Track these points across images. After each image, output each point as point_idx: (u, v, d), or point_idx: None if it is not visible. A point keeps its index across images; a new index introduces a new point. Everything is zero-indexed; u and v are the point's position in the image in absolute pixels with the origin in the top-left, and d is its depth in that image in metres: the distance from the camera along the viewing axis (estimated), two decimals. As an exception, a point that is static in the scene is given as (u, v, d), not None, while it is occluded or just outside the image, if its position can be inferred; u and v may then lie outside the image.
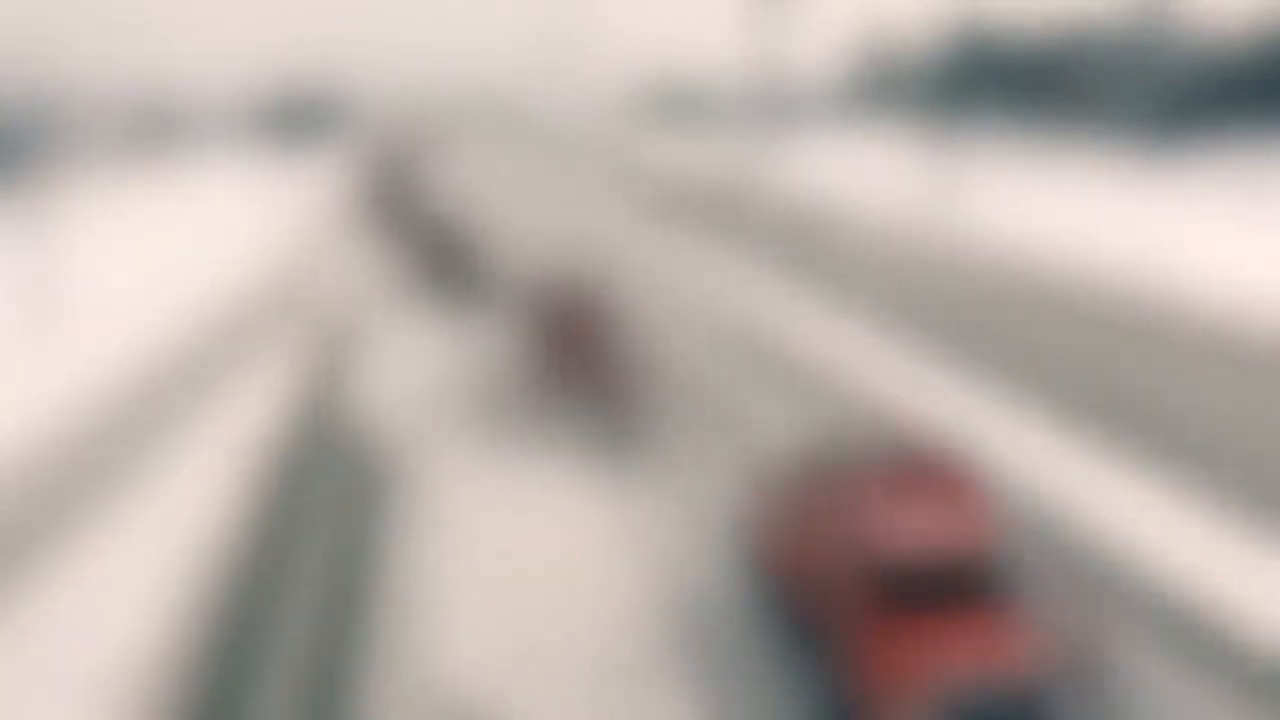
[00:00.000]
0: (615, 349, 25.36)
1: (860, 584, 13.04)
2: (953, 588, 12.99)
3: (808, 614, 14.22)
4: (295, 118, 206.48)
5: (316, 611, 16.17)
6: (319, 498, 20.96)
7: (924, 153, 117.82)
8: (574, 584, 17.40)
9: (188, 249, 58.04)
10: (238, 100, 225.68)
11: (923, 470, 14.15)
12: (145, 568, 18.15)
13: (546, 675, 14.45)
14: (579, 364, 25.31)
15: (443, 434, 25.22)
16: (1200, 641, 14.85)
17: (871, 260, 48.38)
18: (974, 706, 11.95)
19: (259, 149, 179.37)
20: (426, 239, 44.61)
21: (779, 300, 39.69)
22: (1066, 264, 45.78)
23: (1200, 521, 18.76)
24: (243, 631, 15.35)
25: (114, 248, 60.05)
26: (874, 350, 31.57)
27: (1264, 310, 35.03)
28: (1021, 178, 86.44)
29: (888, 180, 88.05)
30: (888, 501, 13.55)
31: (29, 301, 43.60)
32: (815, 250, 51.88)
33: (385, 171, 76.16)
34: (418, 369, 31.35)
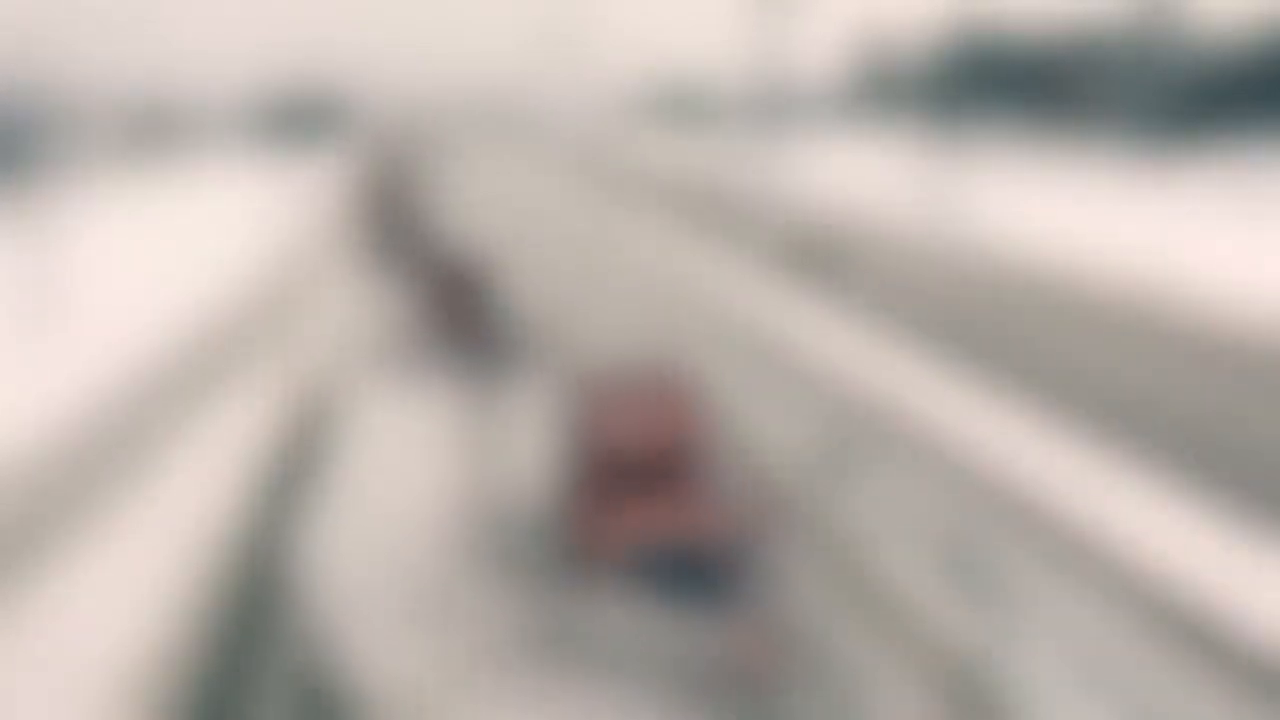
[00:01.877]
0: (728, 499, 16.76)
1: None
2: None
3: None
4: (297, 117, 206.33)
5: None
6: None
7: (925, 154, 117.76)
8: None
9: (174, 266, 57.96)
10: (239, 100, 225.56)
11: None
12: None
13: None
14: (670, 517, 15.85)
15: (443, 626, 14.94)
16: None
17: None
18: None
19: (260, 149, 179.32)
20: (431, 267, 34.01)
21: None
22: (1063, 263, 45.75)
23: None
24: None
25: (103, 254, 60.05)
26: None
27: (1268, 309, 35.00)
28: (1023, 178, 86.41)
29: (889, 181, 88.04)
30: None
31: (26, 302, 43.58)
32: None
33: (383, 181, 68.03)
34: (417, 475, 21.30)
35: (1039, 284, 41.81)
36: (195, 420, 26.50)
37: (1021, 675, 14.00)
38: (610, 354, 32.03)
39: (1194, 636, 15.06)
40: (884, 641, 14.65)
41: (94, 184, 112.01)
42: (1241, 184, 75.24)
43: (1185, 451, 22.53)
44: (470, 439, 24.43)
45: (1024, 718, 13.03)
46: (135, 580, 17.68)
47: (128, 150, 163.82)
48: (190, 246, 59.00)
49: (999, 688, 13.71)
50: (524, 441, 23.65)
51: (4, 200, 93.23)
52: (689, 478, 16.39)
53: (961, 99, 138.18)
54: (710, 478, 16.55)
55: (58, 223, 73.97)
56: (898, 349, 31.77)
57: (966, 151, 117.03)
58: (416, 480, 21.55)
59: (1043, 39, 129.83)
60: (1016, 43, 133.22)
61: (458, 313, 31.35)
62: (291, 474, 22.13)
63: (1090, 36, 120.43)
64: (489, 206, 78.61)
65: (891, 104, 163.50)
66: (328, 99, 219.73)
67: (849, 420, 25.01)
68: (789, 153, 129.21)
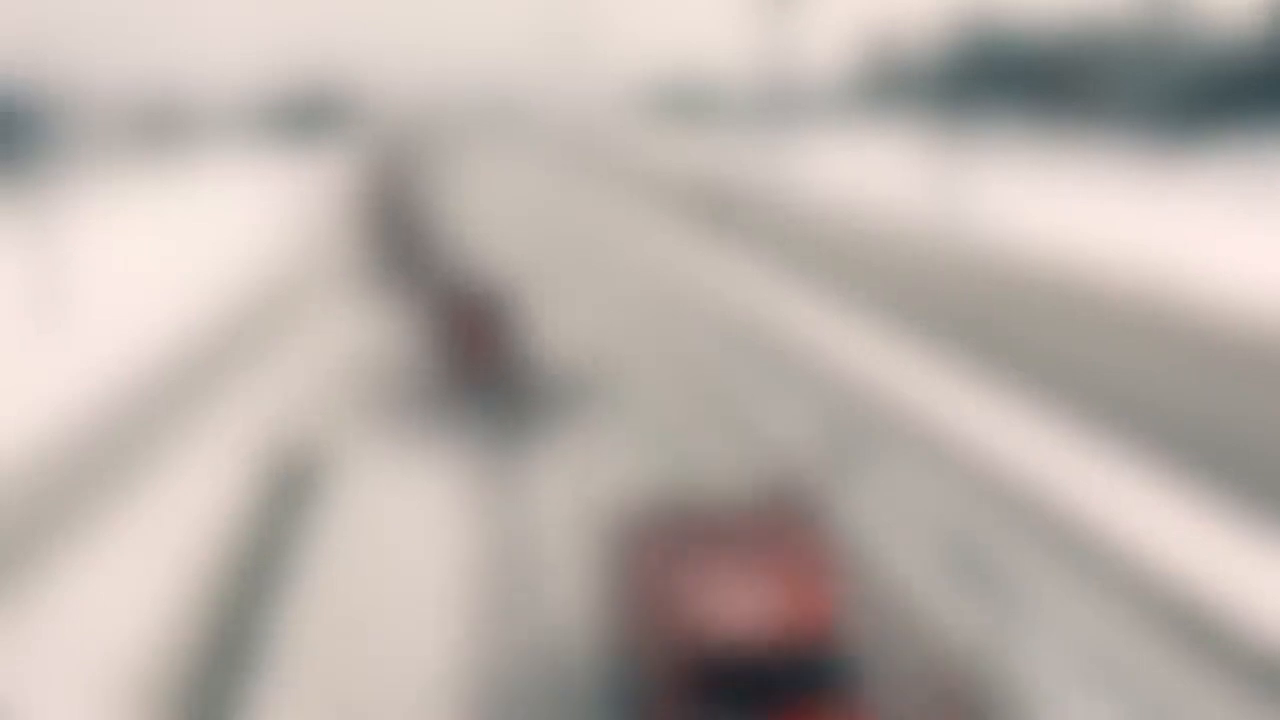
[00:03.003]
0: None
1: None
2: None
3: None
4: (302, 116, 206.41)
5: None
6: None
7: (931, 150, 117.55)
8: None
9: (169, 273, 57.67)
10: (245, 98, 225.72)
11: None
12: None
13: None
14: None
15: None
16: None
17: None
18: None
19: (266, 147, 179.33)
20: (438, 287, 27.66)
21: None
22: (1068, 259, 45.60)
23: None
24: None
25: (106, 253, 59.87)
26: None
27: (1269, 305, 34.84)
28: (1028, 175, 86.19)
29: (898, 178, 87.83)
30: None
31: (31, 299, 43.49)
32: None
33: (385, 186, 61.11)
34: (417, 596, 15.19)
35: (1044, 280, 41.66)
36: (169, 448, 25.64)
37: (1023, 673, 13.92)
38: (671, 418, 23.36)
39: (1195, 634, 14.97)
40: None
41: (98, 182, 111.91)
42: (1246, 181, 75.02)
43: (1187, 449, 22.42)
44: (487, 531, 16.78)
45: (1026, 715, 12.94)
46: (126, 581, 17.58)
47: (133, 147, 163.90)
48: (185, 255, 58.20)
49: (1001, 686, 13.62)
50: (561, 541, 16.70)
51: (9, 197, 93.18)
52: (833, 687, 9.99)
53: (967, 95, 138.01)
54: (864, 683, 10.88)
55: (61, 220, 73.91)
56: (901, 345, 31.68)
57: (972, 147, 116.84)
58: (416, 606, 14.70)
59: (1048, 36, 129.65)
60: (1022, 40, 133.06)
61: (471, 344, 24.26)
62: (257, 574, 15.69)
63: (1096, 34, 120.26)
64: (497, 209, 78.38)
65: (897, 100, 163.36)
66: (332, 96, 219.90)
67: (854, 417, 24.92)
68: (796, 149, 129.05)
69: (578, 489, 19.16)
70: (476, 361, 24.06)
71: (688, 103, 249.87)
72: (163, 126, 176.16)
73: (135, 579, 16.49)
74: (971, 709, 11.08)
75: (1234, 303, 35.98)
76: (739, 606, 10.01)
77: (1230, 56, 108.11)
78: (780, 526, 11.55)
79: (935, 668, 13.55)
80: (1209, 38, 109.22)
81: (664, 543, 11.23)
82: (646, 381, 27.13)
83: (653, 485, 19.55)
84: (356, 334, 33.42)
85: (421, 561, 16.30)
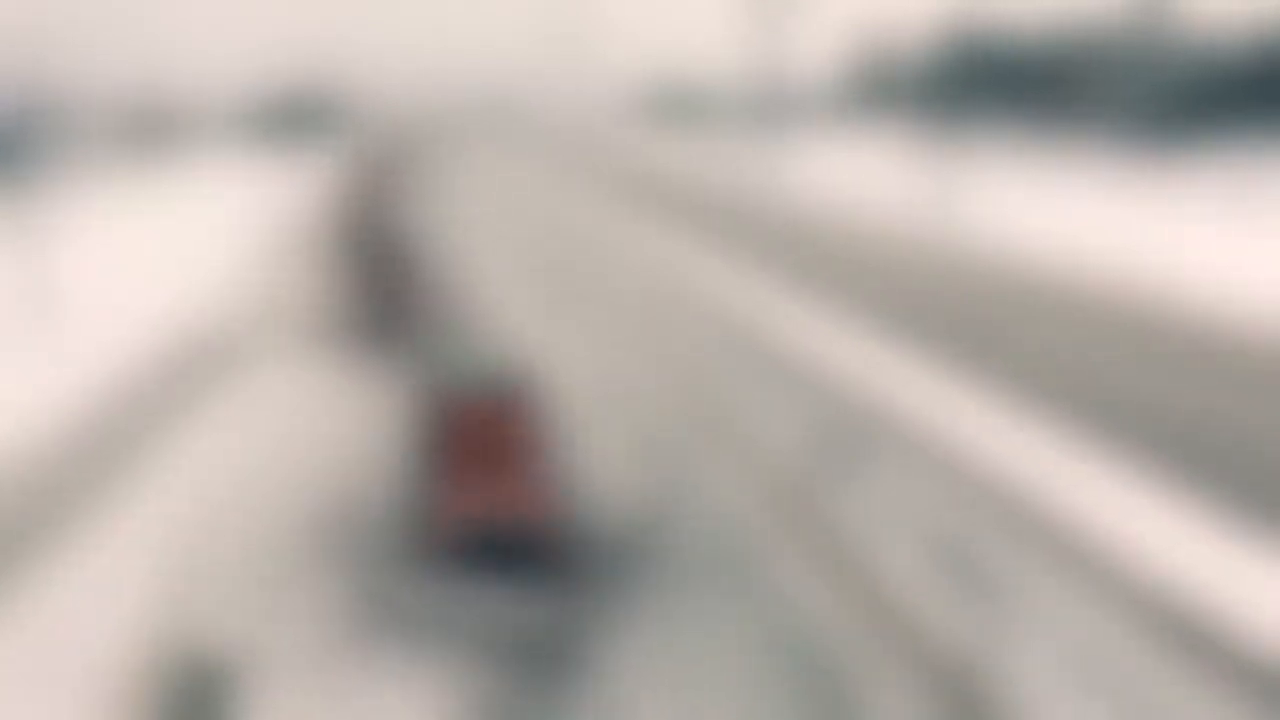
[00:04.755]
0: None
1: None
2: None
3: None
4: (297, 116, 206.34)
5: None
6: None
7: (924, 153, 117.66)
8: None
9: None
10: (239, 99, 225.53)
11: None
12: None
13: None
14: None
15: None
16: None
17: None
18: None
19: (260, 148, 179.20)
20: (421, 377, 20.78)
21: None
22: (1060, 263, 45.63)
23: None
24: None
25: (96, 255, 59.83)
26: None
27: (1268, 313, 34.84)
28: (1020, 179, 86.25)
29: (891, 180, 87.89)
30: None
31: (20, 303, 43.44)
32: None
33: (364, 201, 53.29)
34: None
35: (1036, 284, 41.67)
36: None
37: (1021, 675, 13.83)
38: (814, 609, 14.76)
39: (1192, 636, 14.90)
40: (884, 642, 13.39)
41: (92, 182, 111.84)
42: (1239, 184, 75.09)
43: (1180, 453, 22.36)
44: None
45: (1023, 718, 12.85)
46: (119, 582, 17.48)
47: (124, 149, 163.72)
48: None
49: (999, 688, 13.54)
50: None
51: (1, 200, 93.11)
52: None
53: (960, 98, 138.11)
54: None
55: (53, 222, 73.84)
56: (895, 348, 31.62)
57: (964, 151, 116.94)
58: None
59: (1040, 39, 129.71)
60: (1014, 43, 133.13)
61: (479, 477, 15.21)
62: None
63: (1088, 37, 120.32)
64: (496, 215, 78.18)
65: (889, 104, 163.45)
66: (329, 97, 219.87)
67: (847, 421, 24.83)
68: (789, 152, 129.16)
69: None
70: (486, 505, 14.98)
71: (684, 104, 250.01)
72: (153, 129, 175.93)
73: None
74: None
75: (1227, 307, 35.98)
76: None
77: (1222, 62, 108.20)
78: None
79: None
80: (1201, 43, 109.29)
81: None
82: (729, 513, 17.98)
83: None
84: (308, 430, 21.75)
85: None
